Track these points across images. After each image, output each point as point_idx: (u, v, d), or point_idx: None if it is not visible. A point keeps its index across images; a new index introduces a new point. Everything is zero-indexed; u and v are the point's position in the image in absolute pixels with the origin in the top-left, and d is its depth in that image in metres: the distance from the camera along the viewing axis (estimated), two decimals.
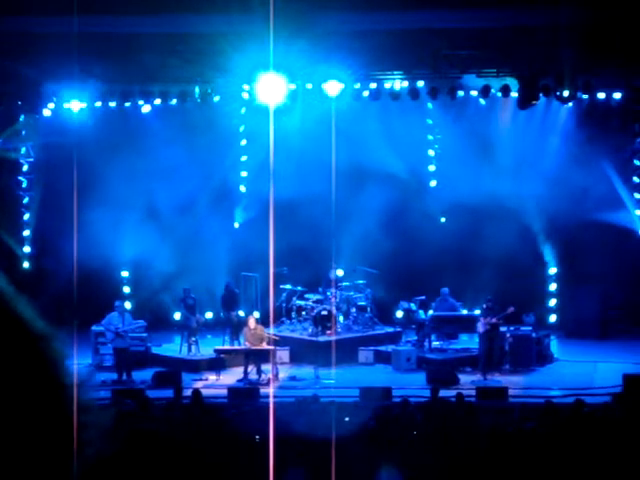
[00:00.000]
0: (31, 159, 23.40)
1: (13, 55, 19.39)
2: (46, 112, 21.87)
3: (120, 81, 20.92)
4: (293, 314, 22.56)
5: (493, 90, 20.91)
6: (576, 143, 22.23)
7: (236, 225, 24.41)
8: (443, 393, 15.98)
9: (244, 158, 24.18)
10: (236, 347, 21.00)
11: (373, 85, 21.13)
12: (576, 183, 21.82)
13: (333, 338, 21.55)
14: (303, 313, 22.42)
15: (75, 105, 21.46)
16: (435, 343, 21.46)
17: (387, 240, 22.45)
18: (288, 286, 22.73)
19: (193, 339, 21.28)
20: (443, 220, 23.84)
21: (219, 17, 18.51)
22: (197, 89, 21.14)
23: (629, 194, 22.53)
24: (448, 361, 20.35)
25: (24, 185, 23.67)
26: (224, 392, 17.70)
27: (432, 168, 23.82)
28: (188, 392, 15.65)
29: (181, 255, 22.75)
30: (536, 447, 11.27)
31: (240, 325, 21.72)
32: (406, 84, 21.02)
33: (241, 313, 22.32)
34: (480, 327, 19.77)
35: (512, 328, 20.40)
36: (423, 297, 21.76)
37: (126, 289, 23.84)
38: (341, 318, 22.19)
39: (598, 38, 18.62)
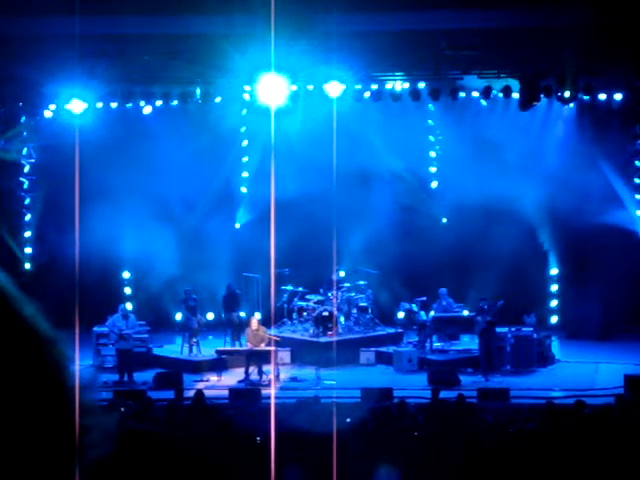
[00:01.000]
0: (32, 160, 23.39)
1: (14, 56, 19.39)
2: (47, 113, 21.89)
3: (121, 82, 20.91)
4: (294, 315, 22.56)
5: (494, 91, 20.92)
6: (577, 144, 22.23)
7: (237, 226, 24.41)
8: (444, 394, 15.98)
9: (245, 159, 24.19)
10: (237, 348, 21.01)
11: (374, 86, 21.12)
12: (577, 184, 21.81)
13: (334, 339, 21.55)
14: (304, 314, 22.42)
15: (76, 106, 21.46)
16: (436, 344, 21.46)
17: (388, 241, 22.46)
18: (289, 287, 22.73)
19: (194, 340, 21.29)
20: (444, 221, 23.86)
21: (220, 18, 18.53)
22: (198, 90, 21.14)
23: (630, 195, 22.52)
24: (449, 362, 20.35)
25: (25, 186, 23.67)
26: (225, 393, 17.70)
27: (433, 169, 23.82)
28: (189, 393, 15.66)
29: (182, 256, 22.75)
30: (537, 448, 11.27)
31: (241, 326, 21.73)
32: (407, 85, 21.02)
33: (242, 314, 22.33)
34: (477, 327, 19.86)
35: (513, 329, 20.41)
36: (424, 298, 21.76)
37: (127, 290, 23.85)
38: (342, 319, 22.18)
39: (599, 39, 18.63)
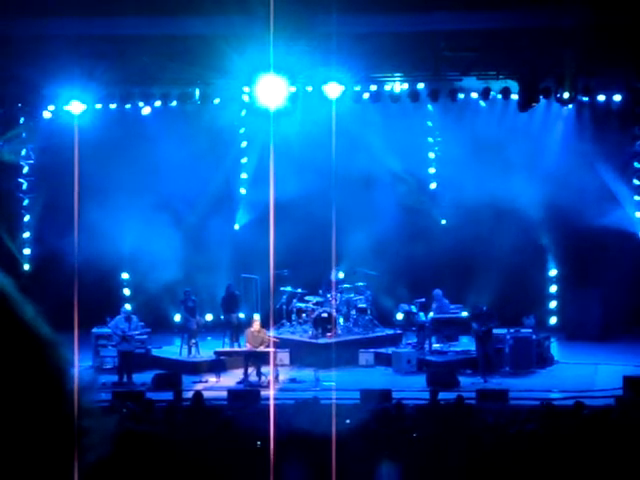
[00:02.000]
0: (31, 161, 23.39)
1: (13, 57, 19.38)
2: (46, 114, 21.88)
3: (120, 83, 20.90)
4: (293, 316, 22.55)
5: (493, 92, 20.92)
6: (576, 145, 22.23)
7: (236, 227, 24.40)
8: (443, 395, 15.97)
9: (244, 160, 24.18)
10: (236, 349, 21.00)
11: (373, 87, 21.12)
12: (576, 185, 21.82)
13: (333, 340, 21.55)
14: (303, 315, 22.41)
15: (75, 107, 21.45)
16: (435, 345, 21.46)
17: (387, 242, 22.45)
18: (288, 288, 22.72)
19: (193, 341, 21.28)
20: (443, 222, 23.85)
21: (219, 19, 18.53)
22: (197, 91, 21.14)
23: (629, 196, 22.53)
24: (448, 363, 20.35)
25: (24, 187, 23.65)
26: (224, 394, 17.68)
27: (432, 170, 23.81)
28: (188, 394, 15.64)
29: (182, 257, 22.74)
30: (536, 449, 11.26)
31: (240, 327, 21.73)
32: (406, 86, 21.01)
33: (241, 315, 22.32)
34: (472, 332, 19.96)
35: (512, 330, 20.41)
36: (423, 299, 21.77)
37: (126, 291, 23.83)
38: (341, 320, 22.18)
39: (598, 40, 18.63)
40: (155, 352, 21.50)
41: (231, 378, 19.89)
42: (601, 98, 21.60)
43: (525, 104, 20.34)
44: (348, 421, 12.34)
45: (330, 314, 21.85)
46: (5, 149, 22.41)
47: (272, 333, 21.47)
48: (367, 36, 19.13)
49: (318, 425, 12.37)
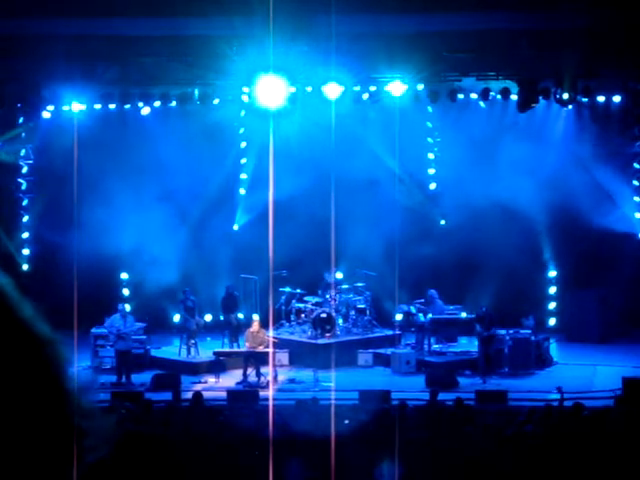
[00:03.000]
0: (30, 161, 23.36)
1: (13, 57, 19.37)
2: (46, 114, 21.86)
3: (120, 83, 20.89)
4: (292, 317, 22.54)
5: (493, 93, 20.92)
6: (576, 146, 22.22)
7: (235, 227, 24.38)
8: (443, 396, 15.97)
9: (244, 160, 24.14)
10: (235, 350, 21.00)
11: (373, 88, 21.11)
12: (576, 186, 21.81)
13: (332, 341, 21.55)
14: (302, 316, 22.40)
15: (75, 107, 21.46)
16: (434, 346, 21.46)
17: (386, 243, 22.42)
18: (287, 289, 22.71)
19: (192, 342, 21.27)
20: (443, 223, 23.84)
21: (219, 20, 18.52)
22: (197, 91, 21.12)
23: (629, 197, 22.52)
24: (447, 364, 20.34)
25: (23, 187, 23.63)
26: (223, 395, 17.67)
27: (432, 171, 23.79)
28: (187, 395, 15.64)
29: (181, 257, 22.72)
30: (535, 450, 11.26)
31: (239, 327, 21.71)
32: (406, 87, 21.00)
33: (240, 316, 22.31)
34: (477, 335, 19.98)
35: (511, 331, 20.41)
36: (422, 300, 21.77)
37: (125, 291, 23.81)
38: (340, 321, 22.17)
39: (598, 41, 18.62)
40: (154, 352, 21.49)
41: (230, 379, 19.88)
42: (601, 99, 21.61)
43: (524, 105, 20.33)
44: (347, 422, 12.33)
45: (329, 314, 21.84)
46: (4, 149, 22.40)
47: (271, 333, 21.47)
48: (367, 37, 19.12)
49: (317, 426, 12.37)
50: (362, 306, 22.52)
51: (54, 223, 22.33)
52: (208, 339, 22.41)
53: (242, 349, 20.53)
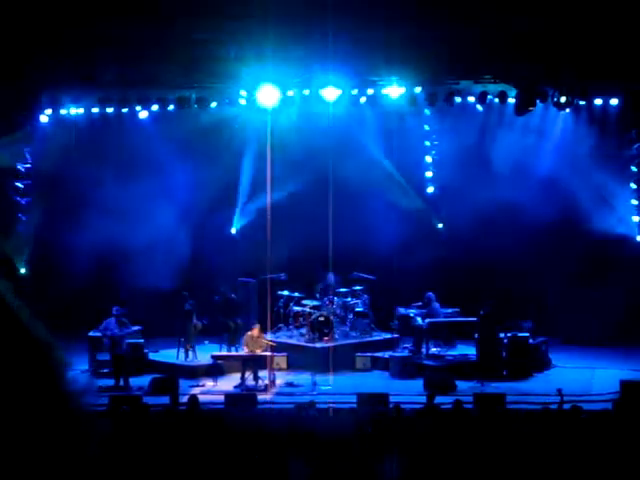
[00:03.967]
0: (28, 165, 23.34)
1: (11, 59, 19.37)
2: (44, 118, 21.86)
3: (118, 86, 20.90)
4: (290, 320, 22.55)
5: (490, 96, 20.94)
6: (573, 149, 22.24)
7: (233, 231, 24.38)
8: (440, 400, 15.96)
9: (242, 163, 24.07)
10: (233, 353, 20.99)
11: (370, 91, 21.13)
12: (574, 189, 21.82)
13: (330, 344, 21.55)
14: (300, 319, 22.41)
15: (73, 111, 21.48)
16: (433, 349, 21.46)
17: (384, 246, 22.43)
18: (285, 292, 22.72)
19: (190, 345, 21.26)
20: (440, 226, 23.86)
21: (217, 23, 18.53)
22: (194, 95, 21.13)
23: (627, 200, 22.53)
24: (445, 367, 20.33)
25: (21, 190, 23.60)
26: (221, 398, 17.67)
27: (429, 174, 23.80)
28: (185, 398, 15.61)
29: (179, 260, 22.69)
30: (533, 453, 11.26)
31: (238, 331, 21.71)
32: (403, 90, 21.02)
33: (238, 320, 22.28)
34: (478, 333, 19.98)
35: (510, 334, 20.41)
36: (420, 303, 21.78)
37: (123, 295, 23.76)
38: (338, 324, 22.17)
39: (595, 44, 18.65)
40: (152, 356, 21.48)
41: (228, 382, 19.88)
42: (598, 102, 21.63)
43: (522, 108, 20.36)
44: (345, 425, 12.33)
45: (327, 318, 21.85)
46: (2, 152, 22.38)
47: (269, 337, 21.46)
48: (364, 40, 19.12)
49: (315, 429, 12.37)
50: (360, 309, 22.53)
51: (51, 226, 22.31)
52: (206, 342, 22.41)
53: (240, 353, 20.53)
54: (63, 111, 21.63)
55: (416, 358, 20.89)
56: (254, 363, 19.83)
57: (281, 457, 11.23)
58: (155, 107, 21.80)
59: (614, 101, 21.57)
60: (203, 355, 21.24)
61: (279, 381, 19.79)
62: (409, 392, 18.34)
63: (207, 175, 23.38)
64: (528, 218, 22.39)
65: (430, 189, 23.87)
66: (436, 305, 21.67)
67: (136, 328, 20.68)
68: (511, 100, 20.83)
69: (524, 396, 18.02)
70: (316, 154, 22.28)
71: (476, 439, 11.83)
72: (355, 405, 16.81)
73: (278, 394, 18.44)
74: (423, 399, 16.33)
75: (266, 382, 19.59)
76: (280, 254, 22.21)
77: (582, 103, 21.31)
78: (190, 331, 21.32)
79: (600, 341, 22.29)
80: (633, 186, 22.53)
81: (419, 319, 21.44)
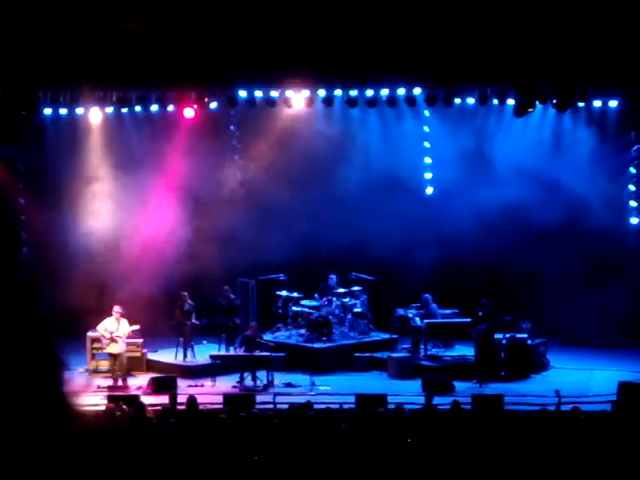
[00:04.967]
0: (26, 162, 23.31)
1: (8, 59, 19.37)
2: (42, 116, 21.83)
3: (117, 86, 20.90)
4: (289, 320, 22.55)
5: (490, 98, 20.94)
6: (572, 151, 22.24)
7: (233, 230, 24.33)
8: (439, 400, 15.96)
9: (242, 161, 24.02)
10: (232, 353, 20.99)
11: (370, 92, 21.11)
12: (573, 191, 21.82)
13: (329, 344, 21.56)
14: (299, 319, 22.42)
15: (71, 109, 21.48)
16: (431, 350, 21.46)
17: (383, 247, 22.41)
18: (284, 292, 22.72)
19: (189, 345, 21.26)
20: (439, 226, 23.83)
21: (216, 22, 18.55)
22: (193, 94, 21.13)
23: (625, 202, 22.54)
24: (444, 368, 20.33)
25: (19, 189, 23.58)
26: (219, 398, 17.66)
27: (429, 175, 23.78)
28: (183, 398, 15.61)
29: (178, 259, 22.66)
30: (532, 454, 11.26)
31: (236, 331, 21.71)
32: (403, 91, 21.02)
33: (237, 319, 22.28)
34: (474, 334, 20.03)
35: (508, 335, 20.42)
36: (419, 304, 21.78)
37: (122, 294, 23.74)
38: (337, 325, 22.17)
39: (595, 46, 18.65)
40: (151, 356, 21.49)
41: (227, 382, 19.89)
42: (597, 104, 21.64)
43: (521, 110, 20.36)
44: (343, 425, 12.33)
45: (326, 318, 21.85)
46: (0, 150, 22.37)
47: (268, 337, 21.47)
48: (364, 40, 19.12)
49: (313, 429, 12.37)
50: (359, 310, 22.54)
51: (50, 225, 22.29)
52: (205, 342, 22.41)
53: (239, 353, 20.53)
54: (63, 110, 21.62)
55: (414, 359, 20.90)
56: (252, 363, 19.84)
57: (279, 457, 11.23)
58: (155, 107, 21.81)
59: (613, 103, 21.57)
60: (202, 355, 21.24)
61: (277, 381, 19.78)
62: (407, 393, 18.34)
63: (207, 172, 23.26)
64: (527, 219, 22.39)
65: (429, 190, 23.85)
66: (433, 306, 21.68)
67: (134, 328, 20.66)
68: (510, 101, 20.83)
69: (522, 397, 18.02)
70: (316, 155, 22.30)
71: (474, 440, 11.83)
72: (353, 406, 16.81)
73: (276, 394, 18.44)
74: (421, 400, 16.36)
75: (264, 382, 19.59)
76: (279, 254, 22.21)
77: (581, 105, 21.32)
78: (189, 331, 21.31)
79: (599, 342, 22.28)
80: (632, 188, 22.54)
81: (417, 320, 21.44)
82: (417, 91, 20.92)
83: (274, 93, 20.94)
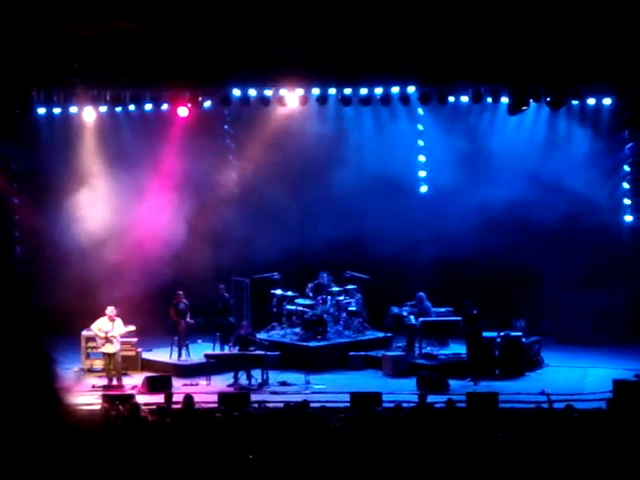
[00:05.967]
0: (20, 162, 23.29)
1: (2, 58, 19.34)
2: (36, 115, 21.80)
3: (111, 85, 20.89)
4: (284, 319, 22.55)
5: (484, 96, 20.95)
6: (566, 149, 22.27)
7: (227, 229, 24.31)
8: (433, 399, 15.97)
9: (237, 161, 24.00)
10: (227, 352, 20.99)
11: (364, 90, 21.12)
12: (567, 189, 21.84)
13: (323, 343, 21.57)
14: (294, 318, 22.42)
15: (65, 108, 21.46)
16: (426, 349, 21.49)
17: (378, 245, 22.42)
18: (279, 291, 22.71)
19: (184, 344, 21.26)
20: (434, 225, 23.84)
21: (210, 21, 18.53)
22: (188, 94, 21.11)
23: (619, 200, 22.57)
24: (438, 367, 20.35)
25: (14, 189, 23.56)
26: (214, 397, 17.67)
27: (423, 174, 23.79)
28: (179, 397, 15.61)
29: (172, 258, 22.64)
30: (526, 452, 11.28)
31: (231, 330, 21.70)
32: (397, 89, 21.03)
33: (231, 318, 22.26)
34: (464, 332, 20.10)
35: (502, 333, 20.44)
36: (414, 302, 21.78)
37: (116, 293, 23.72)
38: (332, 323, 22.18)
39: (588, 44, 18.67)
40: (145, 355, 21.47)
41: (221, 381, 19.89)
42: (591, 102, 21.67)
43: (515, 108, 20.37)
44: (339, 424, 12.34)
45: (320, 317, 21.86)
46: None
47: (262, 336, 21.46)
48: (358, 38, 19.12)
49: (307, 428, 12.37)
50: (353, 308, 22.54)
51: (46, 225, 22.27)
52: (199, 341, 22.40)
53: (233, 352, 20.52)
54: (56, 110, 21.60)
55: (409, 357, 20.92)
56: (247, 362, 19.84)
57: (274, 456, 11.24)
58: (149, 106, 21.79)
59: (607, 101, 21.60)
60: (196, 354, 21.24)
61: (272, 380, 19.78)
62: (402, 391, 18.36)
63: (202, 172, 23.27)
64: (521, 217, 22.42)
65: (423, 189, 23.86)
66: (427, 304, 21.69)
67: (129, 328, 20.65)
68: (504, 99, 20.84)
69: (517, 395, 18.04)
70: (311, 155, 22.31)
71: (468, 438, 11.85)
72: (348, 404, 16.82)
73: (271, 393, 18.43)
74: (416, 398, 16.36)
75: (259, 381, 19.59)
76: (274, 253, 22.21)
77: (575, 103, 21.34)
78: (184, 330, 21.31)
79: (593, 340, 22.32)
80: (626, 186, 22.58)
81: (412, 318, 21.45)
82: (411, 89, 20.95)
83: (268, 92, 20.96)
